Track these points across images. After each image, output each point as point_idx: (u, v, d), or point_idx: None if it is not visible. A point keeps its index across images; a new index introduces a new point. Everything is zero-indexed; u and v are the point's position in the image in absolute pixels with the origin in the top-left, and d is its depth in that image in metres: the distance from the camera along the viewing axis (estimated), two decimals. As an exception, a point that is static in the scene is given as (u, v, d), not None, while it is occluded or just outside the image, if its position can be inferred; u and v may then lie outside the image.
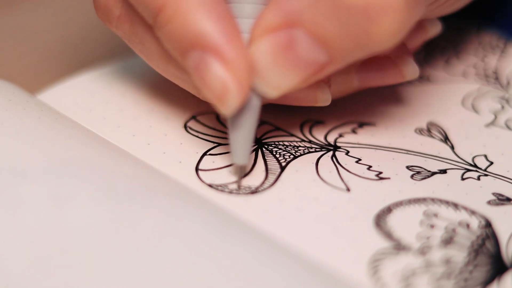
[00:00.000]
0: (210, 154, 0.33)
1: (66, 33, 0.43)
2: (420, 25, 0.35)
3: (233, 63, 0.28)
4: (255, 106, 0.30)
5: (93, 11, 0.34)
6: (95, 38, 0.43)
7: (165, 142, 0.33)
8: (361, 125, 0.35)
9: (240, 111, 0.30)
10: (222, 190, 0.31)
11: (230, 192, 0.31)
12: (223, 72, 0.29)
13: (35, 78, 0.39)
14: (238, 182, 0.32)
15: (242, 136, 0.30)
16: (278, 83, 0.29)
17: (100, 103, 0.35)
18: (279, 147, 0.33)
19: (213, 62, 0.29)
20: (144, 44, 0.32)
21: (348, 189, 0.31)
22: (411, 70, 0.34)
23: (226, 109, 0.29)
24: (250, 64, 0.29)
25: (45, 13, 0.45)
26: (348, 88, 0.34)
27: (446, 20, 0.38)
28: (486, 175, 0.33)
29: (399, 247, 0.29)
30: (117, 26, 0.33)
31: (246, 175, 0.32)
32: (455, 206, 0.31)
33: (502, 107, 0.37)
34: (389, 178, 0.32)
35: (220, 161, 0.32)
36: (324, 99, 0.33)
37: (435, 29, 0.36)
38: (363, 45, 0.29)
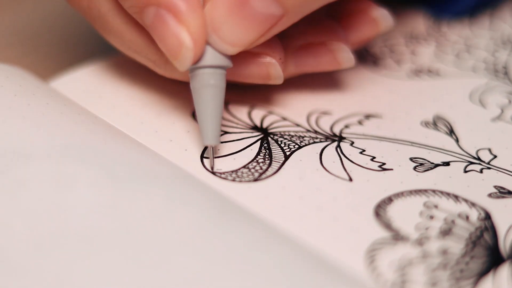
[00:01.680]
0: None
1: (78, 22, 0.43)
2: (370, 19, 0.35)
3: (187, 18, 0.29)
4: (219, 85, 0.31)
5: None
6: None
7: (172, 130, 0.34)
8: (368, 116, 0.36)
9: (205, 91, 0.31)
10: (225, 178, 0.31)
11: (233, 179, 0.31)
12: (177, 26, 0.29)
13: (47, 67, 0.39)
14: (211, 163, 0.32)
15: (209, 116, 0.31)
16: (235, 38, 0.30)
17: (111, 92, 0.36)
18: (285, 137, 0.34)
19: (167, 17, 0.29)
20: (104, 16, 0.33)
21: (350, 179, 0.32)
22: (346, 57, 0.34)
23: (180, 64, 0.30)
24: (205, 20, 0.29)
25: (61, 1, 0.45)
26: (284, 73, 0.34)
27: (458, 14, 0.38)
28: (489, 168, 0.33)
29: (398, 237, 0.29)
30: (74, 3, 0.33)
31: (250, 161, 0.32)
32: (456, 198, 0.31)
33: (510, 101, 0.37)
34: (391, 169, 0.32)
35: (225, 149, 0.33)
36: (276, 76, 0.33)
37: (387, 23, 0.35)
38: None
